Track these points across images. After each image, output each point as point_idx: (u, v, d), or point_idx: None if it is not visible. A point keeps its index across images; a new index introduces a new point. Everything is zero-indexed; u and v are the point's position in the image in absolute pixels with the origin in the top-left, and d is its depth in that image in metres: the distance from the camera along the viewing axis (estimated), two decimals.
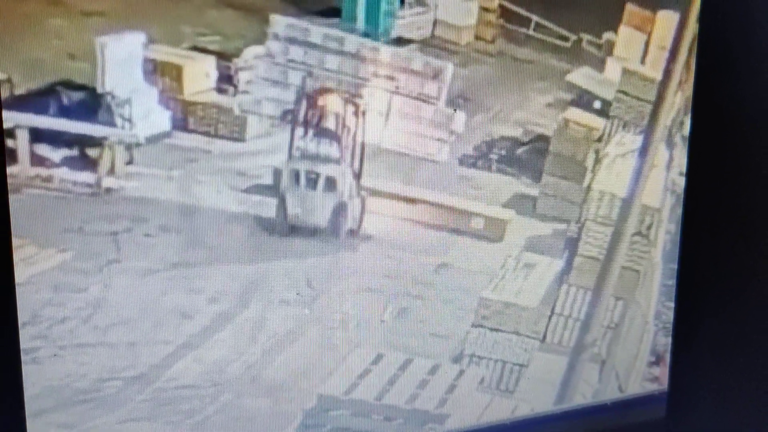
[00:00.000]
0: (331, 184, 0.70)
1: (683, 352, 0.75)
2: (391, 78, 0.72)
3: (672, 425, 0.75)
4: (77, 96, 0.64)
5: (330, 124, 0.71)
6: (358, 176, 0.72)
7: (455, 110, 0.72)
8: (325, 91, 0.70)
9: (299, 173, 0.69)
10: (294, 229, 0.72)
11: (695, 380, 0.75)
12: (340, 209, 0.71)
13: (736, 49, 0.70)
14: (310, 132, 0.70)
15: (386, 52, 0.72)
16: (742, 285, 0.73)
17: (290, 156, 0.69)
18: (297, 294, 0.73)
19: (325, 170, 0.70)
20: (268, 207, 0.72)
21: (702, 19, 0.72)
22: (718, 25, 0.70)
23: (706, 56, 0.71)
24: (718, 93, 0.71)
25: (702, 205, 0.73)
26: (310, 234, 0.72)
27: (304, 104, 0.69)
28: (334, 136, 0.71)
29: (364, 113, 0.71)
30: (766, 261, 0.72)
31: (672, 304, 0.81)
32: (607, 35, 0.78)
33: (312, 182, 0.70)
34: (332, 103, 0.70)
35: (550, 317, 0.80)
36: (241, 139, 0.70)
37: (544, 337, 0.80)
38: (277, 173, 0.72)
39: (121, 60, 0.65)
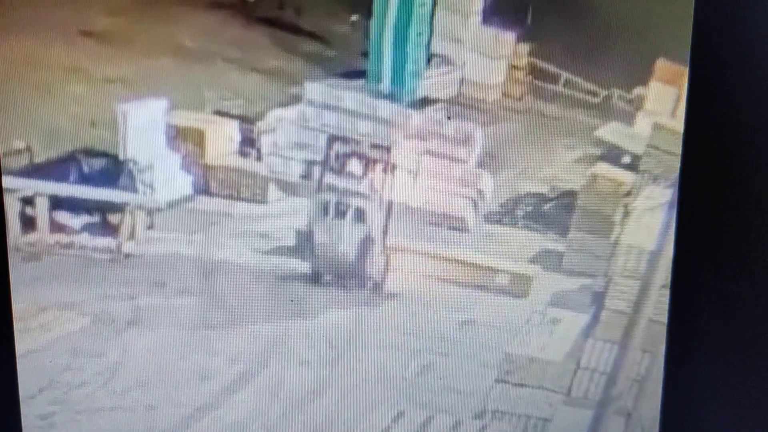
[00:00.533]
0: (360, 215, 0.69)
1: (676, 371, 0.75)
2: (421, 140, 0.71)
3: None
4: (98, 163, 0.63)
5: (358, 171, 0.70)
6: (385, 230, 0.71)
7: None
8: (355, 144, 0.68)
9: (328, 204, 0.68)
10: (317, 276, 0.70)
11: (688, 397, 0.75)
12: (367, 243, 0.70)
13: (729, 55, 0.69)
14: (341, 175, 0.69)
15: (417, 117, 0.71)
16: (737, 299, 0.72)
17: (319, 189, 0.68)
18: (317, 354, 0.72)
19: (354, 202, 0.69)
20: (290, 267, 0.70)
21: (696, 25, 0.70)
22: (711, 32, 0.69)
23: (699, 62, 0.70)
24: (710, 98, 0.70)
25: (695, 209, 0.72)
26: (335, 274, 0.70)
27: (333, 154, 0.68)
28: (363, 179, 0.70)
29: (393, 168, 0.70)
30: (760, 268, 0.71)
31: None
32: (638, 90, 0.75)
33: (341, 213, 0.69)
34: (361, 158, 0.69)
35: (575, 371, 0.78)
36: (263, 201, 0.69)
37: (570, 391, 0.78)
38: (300, 234, 0.70)
39: (142, 126, 0.64)
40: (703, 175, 0.72)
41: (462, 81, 0.72)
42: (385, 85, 0.69)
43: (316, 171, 0.69)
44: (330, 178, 0.68)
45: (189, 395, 0.69)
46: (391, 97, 0.70)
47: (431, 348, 0.74)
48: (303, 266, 0.71)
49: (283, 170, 0.68)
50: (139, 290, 0.67)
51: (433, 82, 0.71)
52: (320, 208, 0.68)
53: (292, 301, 0.68)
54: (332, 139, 0.68)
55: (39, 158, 0.62)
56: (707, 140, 0.71)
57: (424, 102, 0.71)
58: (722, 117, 0.70)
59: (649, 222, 0.77)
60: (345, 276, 0.71)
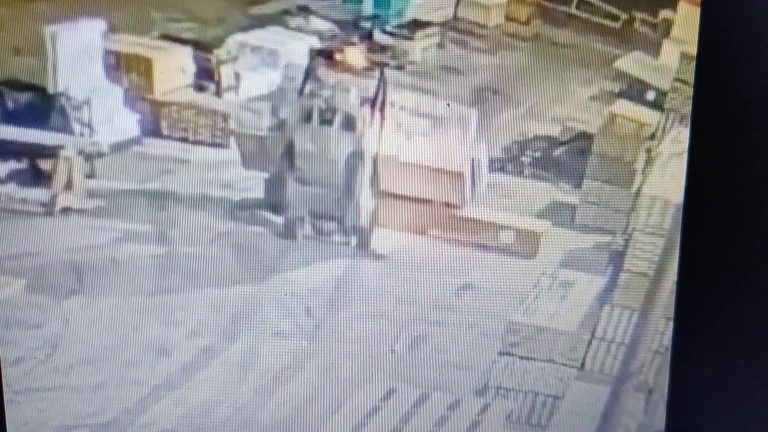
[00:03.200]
0: (349, 123, 0.63)
1: (682, 368, 0.73)
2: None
3: None
4: (24, 98, 0.58)
5: (347, 77, 0.64)
6: (375, 158, 0.65)
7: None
8: (341, 51, 0.62)
9: (312, 110, 0.63)
10: (292, 228, 0.65)
11: (695, 391, 0.73)
12: (357, 157, 0.64)
13: (737, 46, 0.67)
14: (326, 78, 0.62)
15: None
16: (743, 297, 0.71)
17: (300, 94, 0.63)
18: (294, 324, 0.67)
19: (343, 107, 0.63)
20: (260, 222, 0.66)
21: (703, 18, 0.67)
22: (721, 15, 0.66)
23: (706, 54, 0.68)
24: (719, 90, 0.68)
25: (702, 210, 0.70)
26: (315, 215, 0.65)
27: (319, 60, 0.62)
28: (352, 84, 0.63)
29: (385, 86, 0.65)
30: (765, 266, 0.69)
31: None
32: (664, 13, 0.70)
33: (327, 121, 0.63)
34: (350, 59, 0.63)
35: (589, 342, 0.75)
36: (224, 144, 0.63)
37: (583, 364, 0.75)
38: (269, 184, 0.64)
39: (76, 53, 0.58)
40: (711, 180, 0.70)
41: (458, 1, 0.67)
42: (367, 5, 0.63)
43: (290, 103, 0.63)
44: (314, 84, 0.62)
45: (145, 373, 0.64)
46: (375, 19, 0.64)
47: (425, 317, 0.70)
48: (274, 220, 0.65)
49: (257, 108, 0.62)
50: (81, 251, 0.61)
51: (424, 2, 0.65)
52: (303, 113, 0.62)
53: (285, 294, 0.64)
54: (316, 52, 0.62)
55: None
56: (714, 144, 0.70)
57: (414, 26, 0.65)
58: (729, 115, 0.70)
59: (675, 170, 0.72)
60: (325, 217, 0.65)
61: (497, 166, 0.70)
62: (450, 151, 0.68)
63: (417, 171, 0.68)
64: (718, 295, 0.73)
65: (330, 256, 0.67)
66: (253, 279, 0.66)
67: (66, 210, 0.60)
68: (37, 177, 0.59)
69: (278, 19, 0.62)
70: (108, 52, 0.59)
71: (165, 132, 0.62)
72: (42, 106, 0.58)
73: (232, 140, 0.63)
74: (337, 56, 0.62)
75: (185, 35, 0.60)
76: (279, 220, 0.65)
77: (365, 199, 0.66)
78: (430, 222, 0.69)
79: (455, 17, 0.66)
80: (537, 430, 0.75)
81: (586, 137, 0.71)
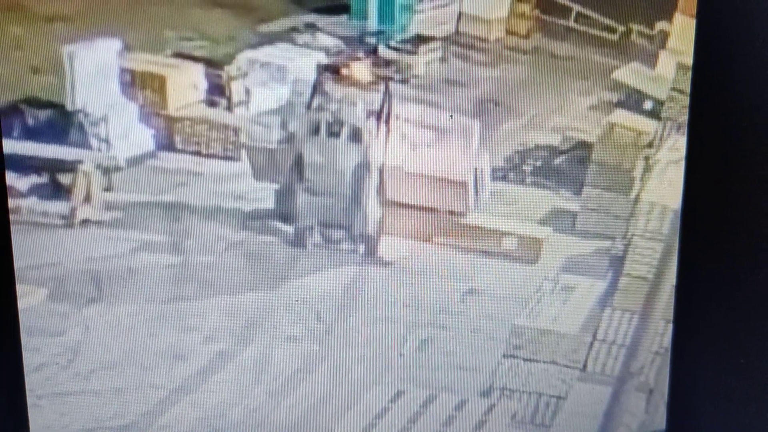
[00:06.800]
0: (356, 135, 0.63)
1: (682, 368, 0.73)
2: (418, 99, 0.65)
3: None
4: (44, 115, 0.58)
5: (353, 91, 0.63)
6: (381, 169, 0.65)
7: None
8: (347, 66, 0.62)
9: (319, 123, 0.62)
10: (302, 237, 0.64)
11: (695, 390, 0.73)
12: (364, 168, 0.64)
13: (732, 56, 0.66)
14: (333, 92, 0.62)
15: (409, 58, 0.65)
16: (741, 299, 0.70)
17: (309, 108, 0.63)
18: (305, 329, 0.67)
19: (349, 119, 0.63)
20: (270, 231, 0.65)
21: (698, 29, 0.67)
22: (716, 26, 0.66)
23: (702, 64, 0.67)
24: (716, 92, 0.67)
25: (700, 215, 0.70)
26: (324, 224, 0.65)
27: (326, 75, 0.62)
28: (358, 98, 0.63)
29: (390, 98, 0.64)
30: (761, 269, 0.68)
31: None
32: (660, 25, 0.69)
33: (334, 134, 0.63)
34: (357, 73, 0.63)
35: (591, 344, 0.74)
36: (236, 157, 0.63)
37: (585, 365, 0.74)
38: (279, 195, 0.64)
39: (93, 72, 0.58)
40: (709, 180, 0.69)
41: (460, 16, 0.66)
42: (371, 21, 0.63)
43: (299, 113, 0.62)
44: (321, 99, 0.62)
45: (162, 377, 0.64)
46: (379, 34, 0.63)
47: (431, 321, 0.69)
48: (285, 229, 0.65)
49: (266, 122, 0.62)
50: (100, 261, 0.61)
51: (426, 17, 0.65)
52: (311, 126, 0.61)
53: (296, 301, 0.64)
54: (323, 68, 0.62)
55: None
56: (712, 144, 0.69)
57: (418, 41, 0.65)
58: (726, 117, 0.69)
59: (673, 176, 0.71)
60: (334, 226, 0.64)
61: (500, 174, 0.69)
62: (453, 161, 0.67)
63: (422, 180, 0.67)
64: (716, 297, 0.72)
65: (339, 263, 0.67)
66: (265, 286, 0.65)
67: (85, 222, 0.60)
68: (57, 191, 0.59)
69: (286, 36, 0.62)
70: (123, 70, 0.59)
71: (179, 146, 0.62)
72: (61, 122, 0.58)
73: (243, 153, 0.62)
74: (344, 71, 0.62)
75: (197, 53, 0.60)
76: (289, 229, 0.64)
77: (372, 208, 0.65)
78: (435, 229, 0.68)
79: (457, 32, 0.66)
80: (541, 430, 0.74)
81: (585, 146, 0.71)
